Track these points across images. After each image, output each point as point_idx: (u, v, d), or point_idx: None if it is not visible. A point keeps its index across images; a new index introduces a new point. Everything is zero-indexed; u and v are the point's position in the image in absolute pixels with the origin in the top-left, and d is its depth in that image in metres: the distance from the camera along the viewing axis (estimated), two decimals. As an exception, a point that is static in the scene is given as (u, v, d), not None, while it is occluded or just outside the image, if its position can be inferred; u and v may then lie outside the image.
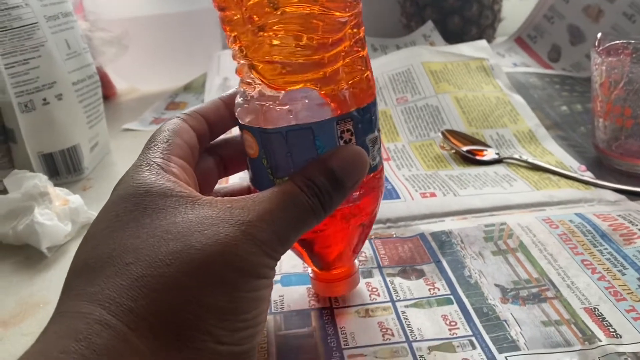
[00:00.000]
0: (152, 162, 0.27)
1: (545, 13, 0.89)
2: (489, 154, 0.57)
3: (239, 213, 0.25)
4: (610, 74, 0.51)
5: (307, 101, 0.28)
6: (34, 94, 0.53)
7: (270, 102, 0.28)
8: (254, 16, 0.26)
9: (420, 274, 0.39)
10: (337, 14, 0.27)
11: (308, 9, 0.26)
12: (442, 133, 0.59)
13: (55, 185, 0.53)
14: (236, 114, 0.30)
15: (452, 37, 0.88)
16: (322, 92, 0.28)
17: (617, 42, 0.51)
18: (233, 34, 0.28)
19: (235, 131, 0.33)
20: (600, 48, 0.52)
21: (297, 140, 0.28)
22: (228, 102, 0.33)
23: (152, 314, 0.22)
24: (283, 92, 0.28)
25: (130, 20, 0.82)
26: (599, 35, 0.53)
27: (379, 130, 0.31)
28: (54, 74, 0.54)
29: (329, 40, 0.27)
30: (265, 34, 0.27)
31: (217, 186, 0.35)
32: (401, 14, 0.96)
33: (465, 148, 0.57)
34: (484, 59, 0.71)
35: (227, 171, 0.35)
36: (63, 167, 0.56)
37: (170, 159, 0.28)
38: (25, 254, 0.45)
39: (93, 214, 0.49)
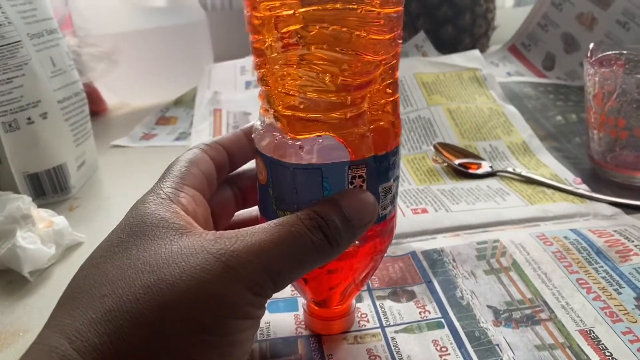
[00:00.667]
0: (160, 192, 0.27)
1: (539, 21, 0.88)
2: (482, 167, 0.56)
3: (225, 242, 0.23)
4: (604, 85, 0.50)
5: (320, 140, 0.27)
6: (17, 113, 0.52)
7: (284, 134, 0.27)
8: (282, 46, 0.25)
9: (411, 296, 0.37)
10: (369, 57, 0.26)
11: (338, 49, 0.25)
12: (434, 146, 0.58)
13: (42, 205, 0.52)
14: (253, 136, 0.30)
15: (446, 46, 0.87)
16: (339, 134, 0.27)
17: (610, 52, 0.50)
18: (259, 59, 0.27)
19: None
20: (593, 59, 0.51)
21: (304, 178, 0.27)
22: (249, 134, 0.32)
23: (114, 354, 0.21)
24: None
25: (120, 35, 0.81)
26: (591, 45, 0.52)
27: (396, 179, 0.29)
28: (39, 92, 0.53)
29: (354, 82, 0.26)
30: (290, 67, 0.26)
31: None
32: (394, 24, 0.95)
33: (457, 161, 0.56)
34: (476, 69, 0.70)
35: (246, 203, 0.34)
36: (49, 187, 0.55)
37: (181, 189, 0.28)
38: (7, 278, 0.44)
39: (78, 235, 0.48)
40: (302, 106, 0.26)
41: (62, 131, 0.56)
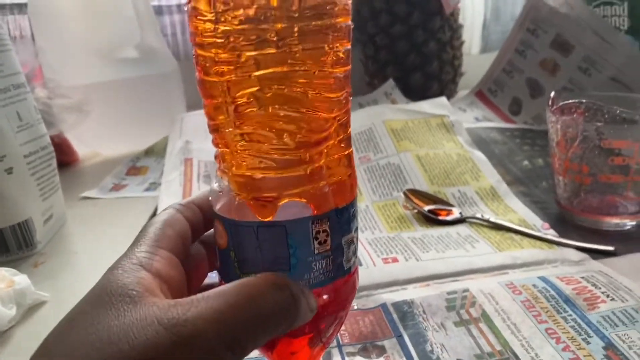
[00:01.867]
0: (133, 257, 0.26)
1: (504, 67, 0.91)
2: (452, 214, 0.56)
3: (177, 310, 0.22)
4: (566, 132, 0.51)
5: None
6: (-19, 170, 0.51)
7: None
8: (235, 109, 0.25)
9: (382, 352, 0.37)
10: (324, 115, 0.26)
11: (295, 109, 0.25)
12: (404, 193, 0.59)
13: (5, 262, 0.51)
14: (210, 199, 0.29)
15: (415, 93, 0.89)
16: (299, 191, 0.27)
17: (570, 101, 0.52)
18: (213, 122, 0.27)
19: None
20: (554, 107, 0.53)
21: (268, 236, 0.27)
22: None
23: None
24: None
25: (91, 86, 0.81)
26: (552, 94, 0.53)
27: (356, 230, 0.30)
28: (4, 147, 0.52)
29: (311, 140, 0.26)
30: (246, 128, 0.26)
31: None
32: (364, 72, 0.97)
33: (427, 208, 0.57)
34: (444, 115, 0.71)
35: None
36: (14, 243, 0.54)
37: (156, 252, 0.27)
38: (-35, 343, 0.42)
39: (41, 294, 0.47)
40: (261, 165, 0.26)
41: (28, 186, 0.55)
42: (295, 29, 0.25)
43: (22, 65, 0.58)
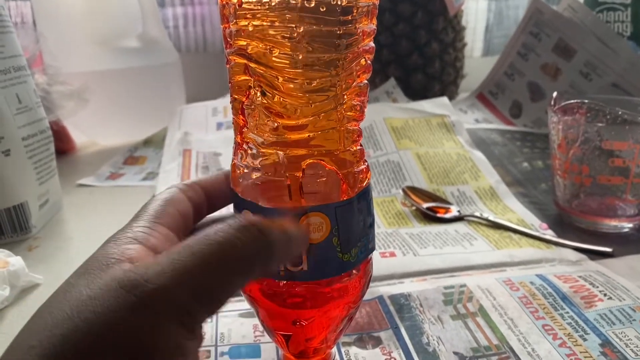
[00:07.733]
0: (129, 231, 0.25)
1: (505, 70, 0.91)
2: (450, 212, 0.56)
3: (140, 270, 0.21)
4: (567, 133, 0.51)
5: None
6: (-21, 150, 0.50)
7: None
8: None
9: (377, 342, 0.37)
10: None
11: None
12: (403, 190, 0.59)
13: (-1, 245, 0.50)
14: (255, 195, 0.28)
15: (416, 93, 0.89)
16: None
17: (572, 101, 0.52)
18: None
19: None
20: (556, 107, 0.52)
21: (363, 205, 0.29)
22: (229, 176, 0.31)
23: None
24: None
25: (91, 74, 0.81)
26: (555, 94, 0.53)
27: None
28: (2, 129, 0.52)
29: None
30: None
31: None
32: (366, 69, 0.97)
33: (425, 205, 0.56)
34: (445, 115, 0.71)
35: None
36: (8, 226, 0.54)
37: (155, 228, 0.26)
38: (-43, 322, 0.42)
39: (35, 276, 0.46)
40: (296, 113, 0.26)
41: (25, 169, 0.55)
42: None
43: (22, 50, 0.58)
